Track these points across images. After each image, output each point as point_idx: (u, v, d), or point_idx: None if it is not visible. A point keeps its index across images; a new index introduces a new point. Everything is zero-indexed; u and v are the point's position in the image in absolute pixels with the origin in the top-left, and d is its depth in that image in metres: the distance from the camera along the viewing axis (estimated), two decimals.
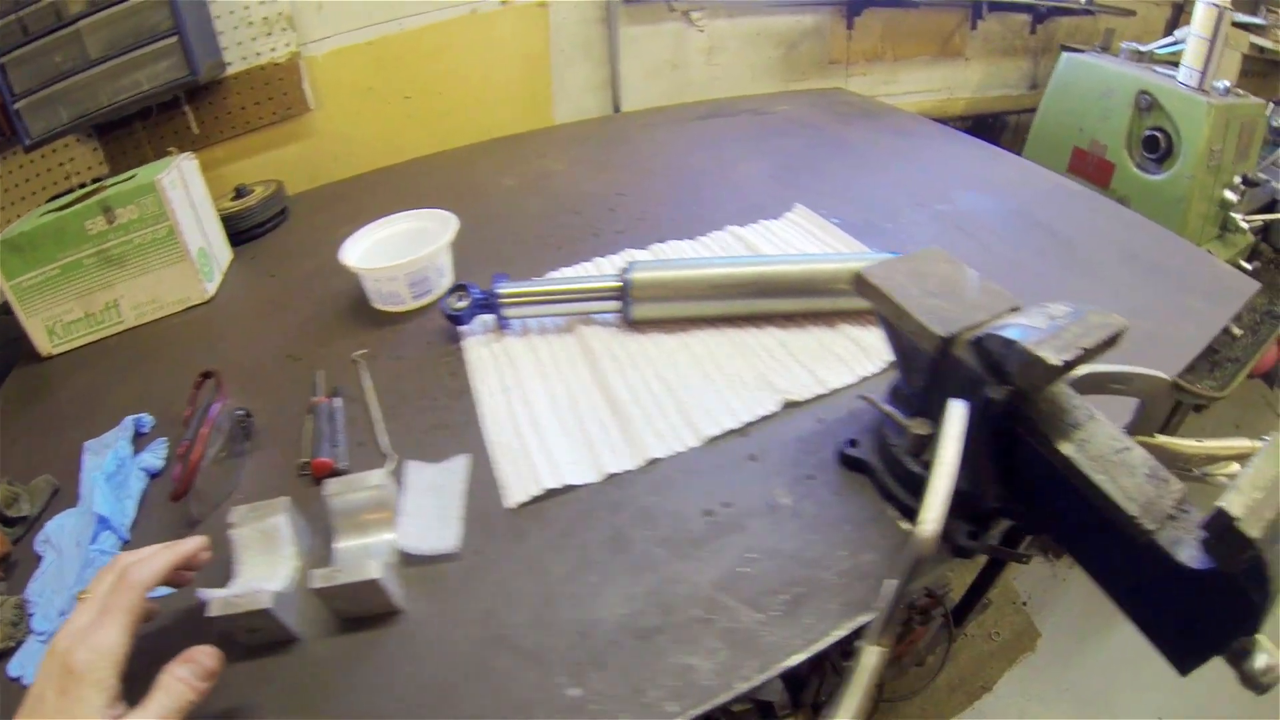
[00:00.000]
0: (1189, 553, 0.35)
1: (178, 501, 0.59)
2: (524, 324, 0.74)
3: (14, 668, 0.49)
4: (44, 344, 0.82)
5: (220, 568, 0.49)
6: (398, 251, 0.78)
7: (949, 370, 0.46)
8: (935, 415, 0.45)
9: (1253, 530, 0.32)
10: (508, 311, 0.71)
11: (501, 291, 0.70)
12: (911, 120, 1.26)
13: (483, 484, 0.57)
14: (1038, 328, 0.41)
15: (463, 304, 0.71)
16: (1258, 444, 0.39)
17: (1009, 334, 0.41)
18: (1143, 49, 1.39)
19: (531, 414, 0.63)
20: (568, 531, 0.53)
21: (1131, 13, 1.64)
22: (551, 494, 0.55)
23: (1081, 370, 0.47)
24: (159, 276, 0.84)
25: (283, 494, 0.52)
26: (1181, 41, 1.29)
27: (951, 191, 0.98)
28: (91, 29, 0.95)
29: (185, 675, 0.39)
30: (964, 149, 1.15)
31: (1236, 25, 1.56)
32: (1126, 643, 0.38)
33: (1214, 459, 0.48)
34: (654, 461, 0.58)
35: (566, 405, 0.64)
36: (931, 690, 1.20)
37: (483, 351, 0.71)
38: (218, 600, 0.45)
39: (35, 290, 0.80)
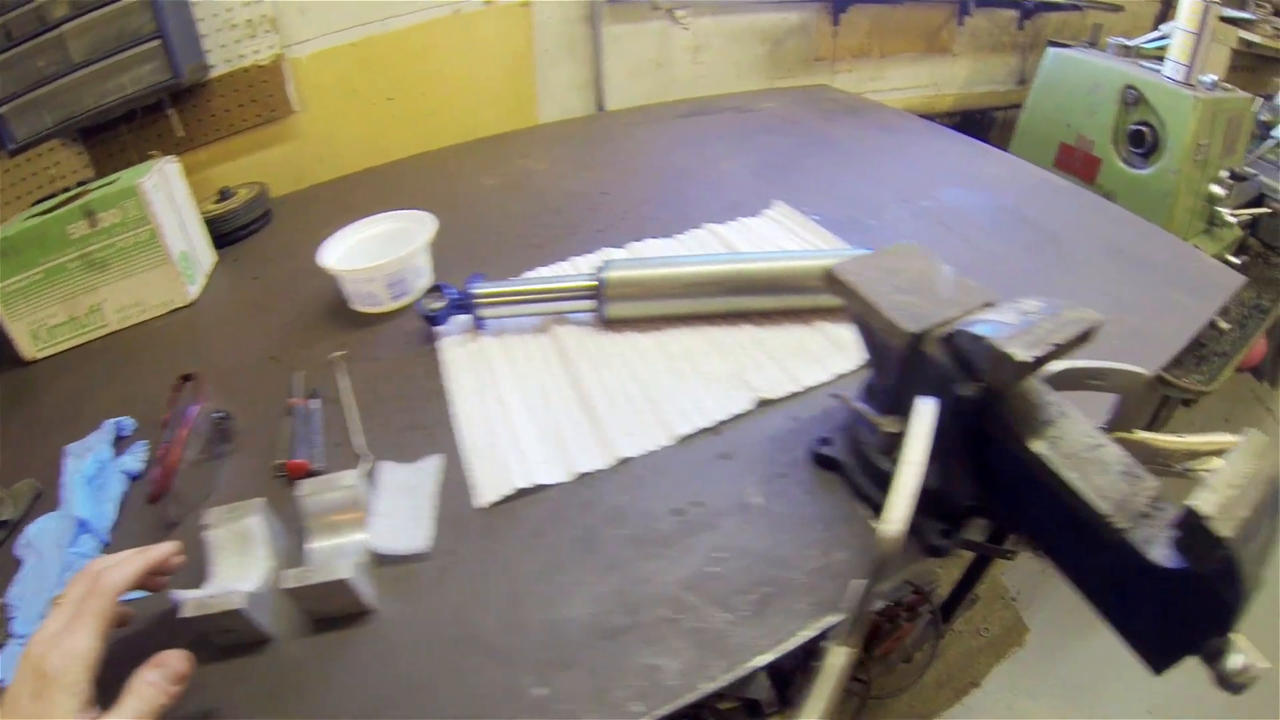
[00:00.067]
0: (1161, 551, 0.35)
1: (155, 503, 0.60)
2: (500, 324, 0.74)
3: None
4: (28, 348, 0.83)
5: (197, 569, 0.50)
6: (377, 253, 0.78)
7: (920, 367, 0.46)
8: (908, 413, 0.45)
9: (1224, 529, 0.31)
10: (483, 312, 0.72)
11: (477, 292, 0.71)
12: (897, 116, 1.26)
13: (456, 484, 0.58)
14: (1009, 323, 0.41)
15: (439, 305, 0.71)
16: (1239, 439, 0.38)
17: (978, 330, 0.41)
18: (1129, 44, 1.39)
19: (505, 414, 0.63)
20: (538, 531, 0.53)
21: (1119, 8, 1.64)
22: (523, 493, 0.56)
23: (1058, 366, 0.47)
24: (142, 280, 0.85)
25: (260, 495, 0.52)
26: (1168, 36, 1.29)
27: (936, 187, 0.98)
28: (75, 33, 0.95)
29: (155, 679, 0.40)
30: (950, 145, 1.15)
31: (1225, 20, 1.56)
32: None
33: (1195, 454, 0.47)
34: (625, 461, 0.58)
35: (540, 405, 0.64)
36: (920, 687, 1.20)
37: (459, 352, 0.71)
38: (191, 601, 0.45)
39: (19, 294, 0.80)
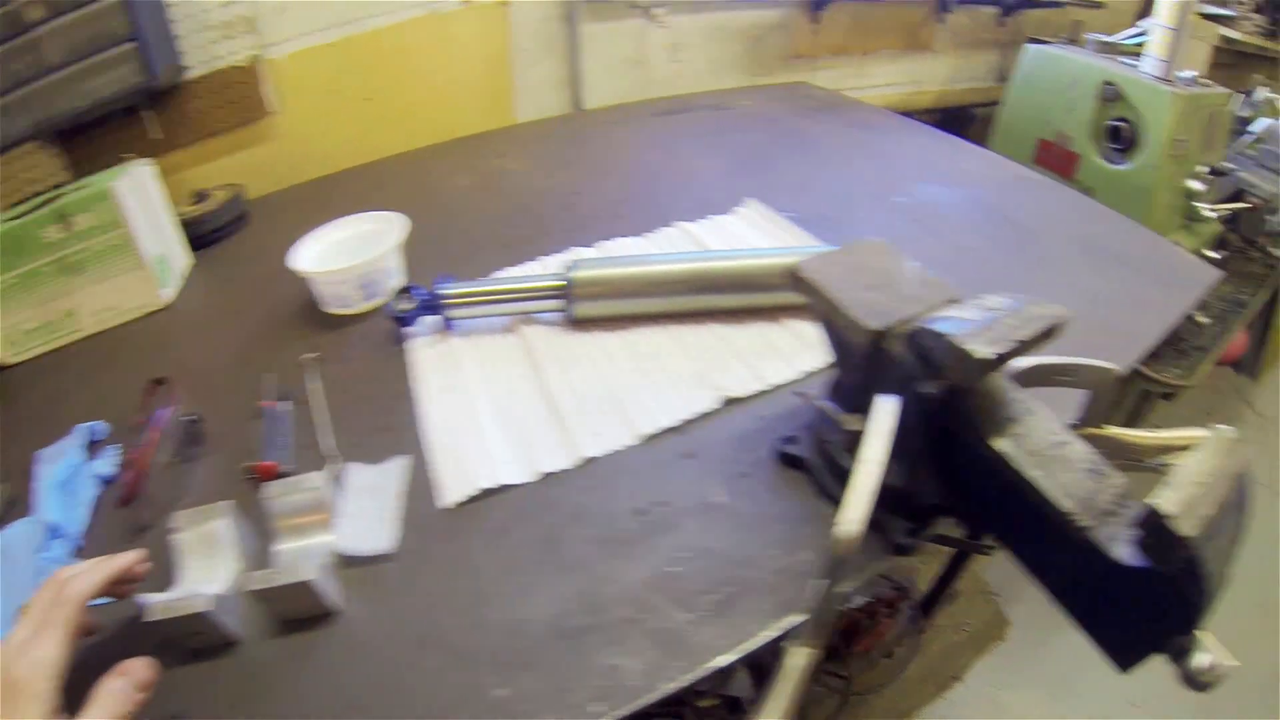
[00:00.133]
0: (1124, 550, 0.35)
1: (127, 507, 0.60)
2: (469, 325, 0.74)
3: None
4: (2, 353, 0.82)
5: (165, 573, 0.50)
6: (350, 254, 0.78)
7: (883, 365, 0.45)
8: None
9: (1187, 528, 0.31)
10: (452, 312, 0.72)
11: (445, 292, 0.71)
12: (875, 114, 1.26)
13: (423, 485, 0.58)
14: (971, 320, 0.40)
15: (408, 306, 0.71)
16: (1207, 434, 0.37)
17: (940, 327, 0.40)
18: (1108, 40, 1.39)
19: (472, 414, 0.63)
20: (502, 531, 0.54)
21: (1100, 4, 1.64)
22: (488, 493, 0.56)
23: (1026, 363, 0.47)
24: (116, 284, 0.84)
25: (231, 498, 0.53)
26: (1147, 32, 1.29)
27: (912, 184, 0.98)
28: (49, 36, 0.95)
29: (120, 687, 0.40)
30: (928, 141, 1.15)
31: (1206, 17, 1.57)
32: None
33: (1168, 449, 0.47)
34: (590, 460, 0.58)
35: (507, 405, 0.64)
36: (901, 682, 1.21)
37: (428, 353, 0.72)
38: (157, 604, 0.46)
39: None
